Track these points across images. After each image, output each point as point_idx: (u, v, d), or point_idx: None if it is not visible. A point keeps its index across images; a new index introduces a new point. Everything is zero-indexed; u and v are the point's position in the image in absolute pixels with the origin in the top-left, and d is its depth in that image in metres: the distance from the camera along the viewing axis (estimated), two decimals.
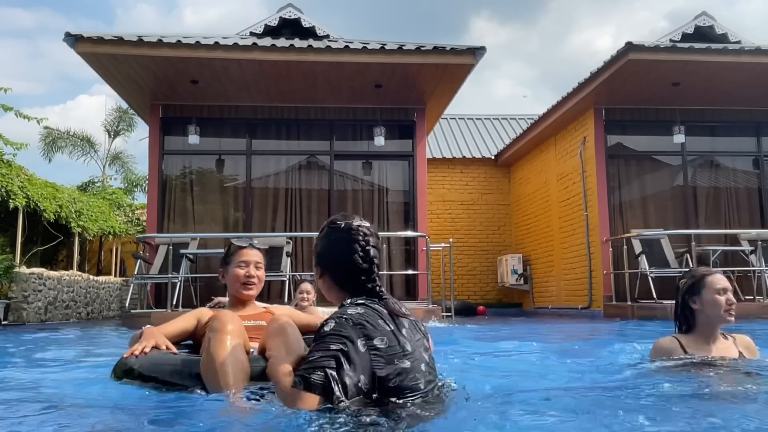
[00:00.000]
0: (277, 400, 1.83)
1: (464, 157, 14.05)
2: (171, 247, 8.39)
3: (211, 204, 10.10)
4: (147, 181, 10.77)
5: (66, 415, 1.98)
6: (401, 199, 10.27)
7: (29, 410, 2.01)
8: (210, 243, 9.37)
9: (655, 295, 8.29)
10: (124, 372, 2.26)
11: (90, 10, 65.72)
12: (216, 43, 8.21)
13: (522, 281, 12.85)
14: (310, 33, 9.73)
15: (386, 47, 8.52)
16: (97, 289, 12.87)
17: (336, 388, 1.70)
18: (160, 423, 1.86)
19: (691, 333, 2.79)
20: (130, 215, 16.00)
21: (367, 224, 2.04)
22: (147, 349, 2.32)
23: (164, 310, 8.09)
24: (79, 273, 12.19)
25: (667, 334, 2.91)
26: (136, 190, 20.80)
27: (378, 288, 1.96)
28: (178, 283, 8.35)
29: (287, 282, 8.36)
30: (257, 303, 2.84)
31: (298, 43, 8.55)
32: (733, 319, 2.69)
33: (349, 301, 1.93)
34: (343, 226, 2.01)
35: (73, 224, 11.97)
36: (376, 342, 1.80)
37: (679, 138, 9.26)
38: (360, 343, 1.77)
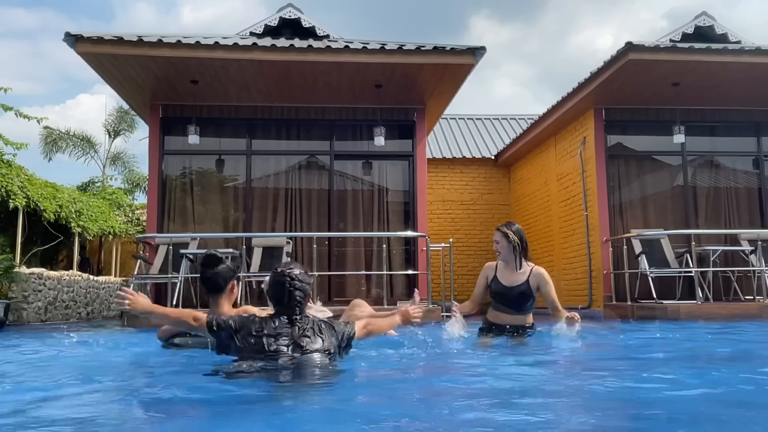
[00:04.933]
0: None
1: (464, 157, 14.05)
2: (171, 247, 8.39)
3: (211, 204, 10.10)
4: (147, 181, 10.77)
5: None
6: (401, 199, 10.26)
7: None
8: (210, 243, 9.37)
9: (655, 295, 8.29)
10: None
11: (92, 10, 65.73)
12: (216, 43, 8.20)
13: None
14: (310, 33, 9.72)
15: (386, 47, 8.52)
16: (97, 289, 12.87)
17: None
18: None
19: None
20: (130, 215, 16.00)
21: (297, 272, 3.06)
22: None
23: None
24: (79, 273, 12.18)
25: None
26: (136, 190, 20.81)
27: (291, 317, 3.00)
28: (178, 283, 8.36)
29: None
30: None
31: (298, 43, 8.54)
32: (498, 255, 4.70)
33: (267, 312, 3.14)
34: (278, 270, 3.10)
35: (73, 224, 11.97)
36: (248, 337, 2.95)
37: (679, 138, 9.25)
38: (240, 335, 2.96)
